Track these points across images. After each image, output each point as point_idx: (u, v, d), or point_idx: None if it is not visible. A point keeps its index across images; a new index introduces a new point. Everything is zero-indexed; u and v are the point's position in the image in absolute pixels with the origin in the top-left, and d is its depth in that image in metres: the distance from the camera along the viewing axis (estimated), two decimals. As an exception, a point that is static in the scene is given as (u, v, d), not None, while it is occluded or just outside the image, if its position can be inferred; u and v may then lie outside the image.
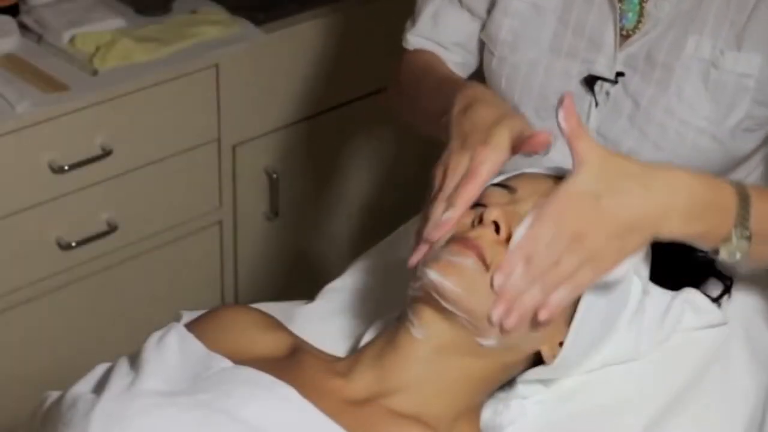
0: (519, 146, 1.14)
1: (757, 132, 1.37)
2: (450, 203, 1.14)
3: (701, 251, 1.34)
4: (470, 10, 1.48)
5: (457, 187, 1.15)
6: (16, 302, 2.03)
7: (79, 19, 2.08)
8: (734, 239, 1.13)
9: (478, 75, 1.51)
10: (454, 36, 1.51)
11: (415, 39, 1.53)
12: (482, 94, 1.24)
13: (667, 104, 1.35)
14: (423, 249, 1.16)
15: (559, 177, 1.21)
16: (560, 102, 1.09)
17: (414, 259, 1.16)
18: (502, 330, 1.10)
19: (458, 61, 1.52)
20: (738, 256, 1.14)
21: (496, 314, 1.08)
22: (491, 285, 1.09)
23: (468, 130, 1.18)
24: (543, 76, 1.41)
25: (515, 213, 1.14)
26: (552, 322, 1.11)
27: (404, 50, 1.54)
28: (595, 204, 1.06)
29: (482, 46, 1.48)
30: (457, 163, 1.16)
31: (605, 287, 1.16)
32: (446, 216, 1.14)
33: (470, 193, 1.14)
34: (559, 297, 1.07)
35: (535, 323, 1.10)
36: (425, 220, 1.17)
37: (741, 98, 1.33)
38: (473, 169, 1.14)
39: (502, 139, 1.15)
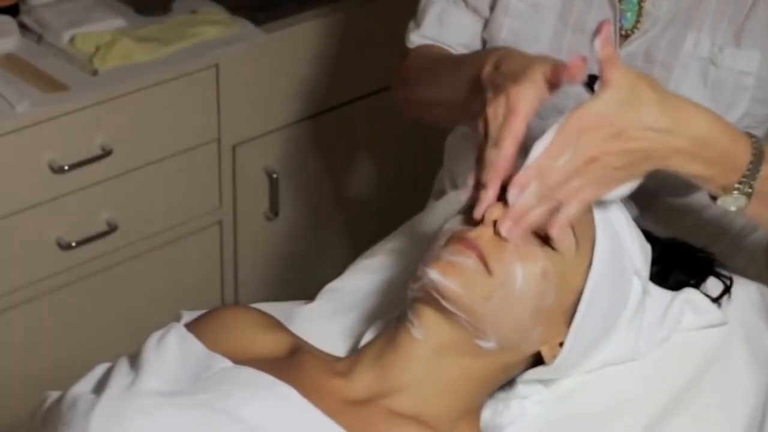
0: (556, 78, 1.12)
1: (756, 130, 1.37)
2: (498, 145, 1.12)
3: (701, 251, 1.35)
4: (475, 10, 1.48)
5: (502, 129, 1.13)
6: (16, 302, 2.03)
7: (79, 19, 2.08)
8: (735, 192, 1.15)
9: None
10: (460, 37, 1.50)
11: (420, 40, 1.52)
12: (511, 51, 1.23)
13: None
14: (488, 195, 1.13)
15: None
16: (598, 29, 1.10)
17: (478, 212, 1.14)
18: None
19: None
20: (733, 208, 1.16)
21: (504, 229, 1.10)
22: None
23: (500, 81, 1.17)
24: (542, 75, 1.41)
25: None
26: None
27: (407, 49, 1.54)
28: (614, 131, 1.08)
29: (484, 44, 1.48)
30: (495, 109, 1.14)
31: (606, 286, 1.17)
32: (500, 154, 1.12)
33: (514, 128, 1.12)
34: (568, 213, 1.10)
35: (545, 240, 1.13)
36: (481, 167, 1.15)
37: (740, 97, 1.33)
38: (511, 107, 1.12)
39: (536, 75, 1.13)
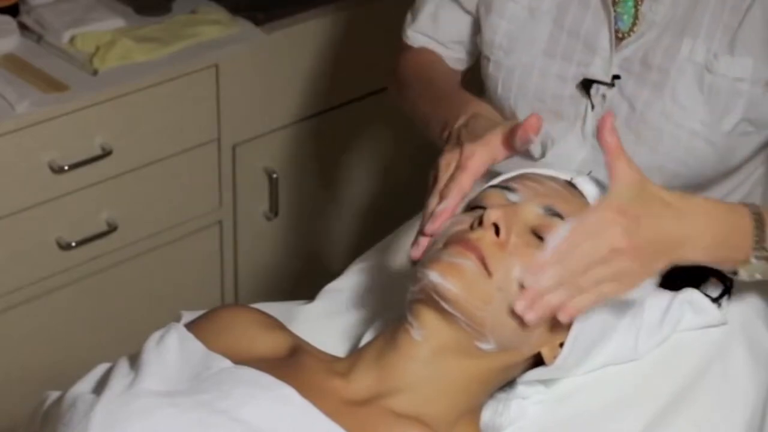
0: (512, 137, 1.17)
1: (753, 135, 1.36)
2: (443, 196, 1.17)
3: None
4: (469, 11, 1.49)
5: (449, 181, 1.18)
6: (16, 302, 2.03)
7: (79, 19, 2.08)
8: (753, 261, 1.16)
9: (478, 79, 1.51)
10: (452, 35, 1.53)
11: (415, 35, 1.55)
12: (486, 111, 1.29)
13: (662, 107, 1.35)
14: (423, 242, 1.18)
15: (559, 179, 1.21)
16: (601, 122, 1.11)
17: (416, 253, 1.18)
18: (522, 324, 1.10)
19: (457, 57, 1.55)
20: (758, 276, 1.17)
21: (519, 307, 1.09)
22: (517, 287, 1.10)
23: (463, 137, 1.22)
24: (538, 79, 1.41)
25: (515, 215, 1.14)
26: (561, 327, 1.13)
27: (403, 44, 1.56)
28: (637, 223, 1.08)
29: (479, 51, 1.49)
30: (448, 161, 1.20)
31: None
32: (441, 207, 1.17)
33: (462, 183, 1.17)
34: (582, 303, 1.08)
35: (554, 324, 1.11)
36: (424, 216, 1.19)
37: (735, 103, 1.33)
38: (462, 162, 1.18)
39: (492, 137, 1.19)
